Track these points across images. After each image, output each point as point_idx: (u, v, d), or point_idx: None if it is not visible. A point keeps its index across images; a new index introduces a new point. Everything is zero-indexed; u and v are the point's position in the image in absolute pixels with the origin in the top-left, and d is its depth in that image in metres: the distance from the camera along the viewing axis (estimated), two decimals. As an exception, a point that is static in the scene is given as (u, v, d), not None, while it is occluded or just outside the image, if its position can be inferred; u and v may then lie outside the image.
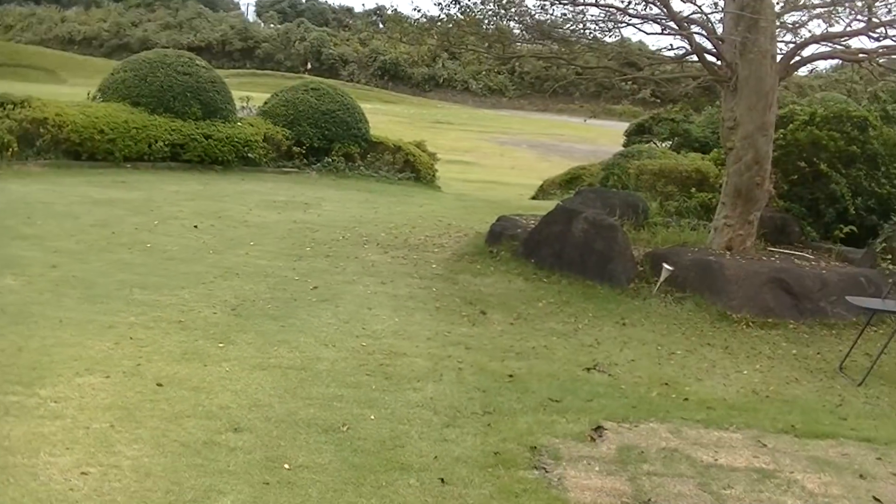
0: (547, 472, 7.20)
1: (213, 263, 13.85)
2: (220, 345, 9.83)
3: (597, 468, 7.34)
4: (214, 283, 12.62)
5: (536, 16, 16.89)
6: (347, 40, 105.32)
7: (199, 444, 7.19)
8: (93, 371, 8.57)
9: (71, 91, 39.81)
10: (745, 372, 10.81)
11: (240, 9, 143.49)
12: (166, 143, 24.34)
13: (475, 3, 16.63)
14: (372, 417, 8.07)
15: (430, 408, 8.46)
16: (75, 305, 10.85)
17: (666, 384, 9.94)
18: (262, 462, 6.93)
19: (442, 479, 6.89)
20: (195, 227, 16.53)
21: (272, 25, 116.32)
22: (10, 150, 21.98)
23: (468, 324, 11.77)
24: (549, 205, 19.69)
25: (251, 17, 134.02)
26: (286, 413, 7.97)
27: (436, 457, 7.30)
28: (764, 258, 14.86)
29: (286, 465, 6.90)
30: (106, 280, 12.19)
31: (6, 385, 8.01)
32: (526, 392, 9.17)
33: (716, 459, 7.71)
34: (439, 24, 17.22)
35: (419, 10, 17.25)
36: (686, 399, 9.45)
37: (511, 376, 9.67)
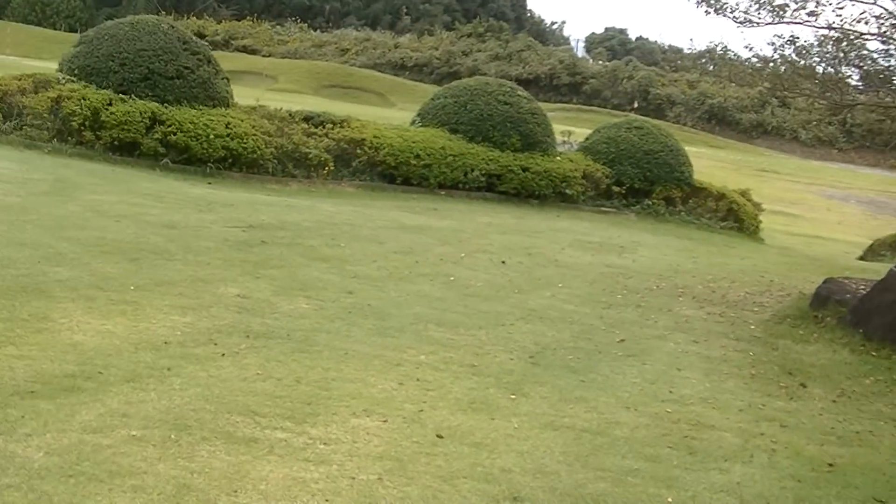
0: None
1: (517, 304, 13.13)
2: (512, 396, 9.07)
3: None
4: (515, 326, 11.89)
5: (879, 60, 15.67)
6: (675, 81, 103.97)
7: (473, 512, 6.45)
8: (371, 413, 7.95)
9: (399, 115, 40.26)
10: None
11: (569, 44, 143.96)
12: (482, 172, 24.04)
13: (811, 45, 15.53)
14: (669, 500, 7.14)
15: (736, 495, 7.45)
16: (364, 337, 10.31)
17: None
18: (541, 544, 6.11)
19: (747, 590, 5.91)
20: (503, 262, 15.90)
21: (600, 62, 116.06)
22: (326, 168, 22.13)
23: (785, 397, 10.62)
24: (879, 267, 18.30)
25: (580, 52, 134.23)
26: (573, 485, 7.12)
27: (741, 560, 6.32)
28: None
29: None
30: (401, 312, 11.64)
31: (276, 419, 7.50)
32: (847, 487, 8.00)
33: None
34: (772, 65, 16.20)
35: (751, 49, 16.31)
36: None
37: (831, 465, 8.49)
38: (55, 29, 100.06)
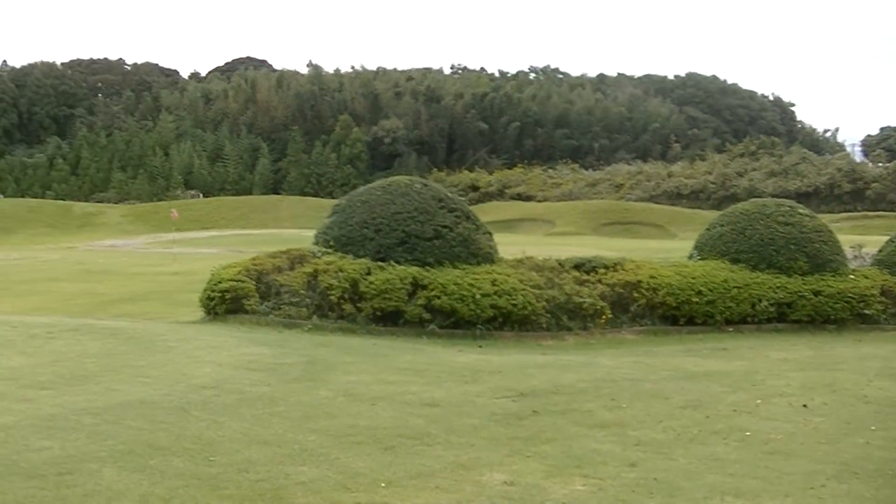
0: None
1: (825, 458, 11.34)
2: None
3: None
4: (826, 489, 10.12)
5: None
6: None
7: None
8: None
9: (680, 245, 38.78)
10: None
11: (845, 149, 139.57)
12: (771, 301, 22.50)
13: None
14: None
15: None
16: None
17: None
18: None
19: None
20: (804, 406, 14.11)
21: (880, 164, 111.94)
22: (604, 316, 21.03)
23: None
24: None
25: (858, 156, 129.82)
26: None
27: None
28: None
29: None
30: (692, 484, 10.06)
31: None
32: None
33: None
34: None
35: None
36: None
37: None
38: (332, 198, 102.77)
